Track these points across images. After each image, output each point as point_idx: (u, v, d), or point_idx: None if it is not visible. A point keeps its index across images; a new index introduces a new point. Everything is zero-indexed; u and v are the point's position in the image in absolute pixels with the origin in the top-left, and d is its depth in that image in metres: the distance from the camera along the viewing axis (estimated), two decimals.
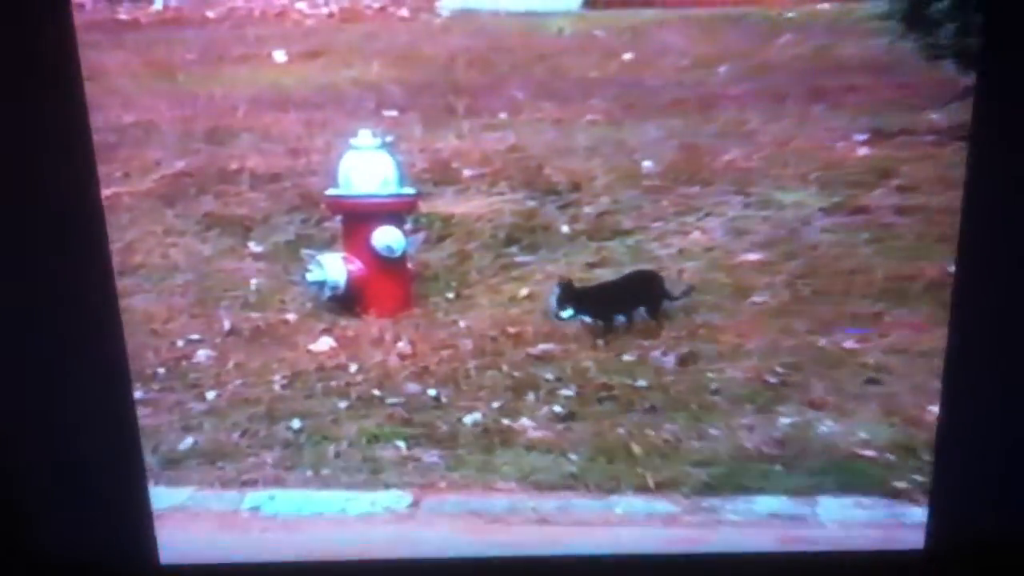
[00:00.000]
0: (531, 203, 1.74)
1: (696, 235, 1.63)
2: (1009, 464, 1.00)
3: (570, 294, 1.53)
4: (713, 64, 1.83)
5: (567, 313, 1.53)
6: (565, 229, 1.70)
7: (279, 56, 2.03)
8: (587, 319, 1.54)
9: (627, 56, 1.88)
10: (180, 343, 1.55)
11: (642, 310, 1.56)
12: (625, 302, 1.56)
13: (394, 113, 1.87)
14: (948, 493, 1.02)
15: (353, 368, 1.49)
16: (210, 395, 1.46)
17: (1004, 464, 0.99)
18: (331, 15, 2.12)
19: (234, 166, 1.84)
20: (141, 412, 1.14)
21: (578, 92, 1.82)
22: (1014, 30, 0.89)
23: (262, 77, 2.00)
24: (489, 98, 1.86)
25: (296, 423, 1.41)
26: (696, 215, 1.65)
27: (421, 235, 1.72)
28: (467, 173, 1.81)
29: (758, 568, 1.09)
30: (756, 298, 1.53)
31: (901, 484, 1.20)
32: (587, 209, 1.70)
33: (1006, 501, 1.01)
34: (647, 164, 1.73)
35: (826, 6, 1.89)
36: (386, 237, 1.62)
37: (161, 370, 1.49)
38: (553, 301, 1.54)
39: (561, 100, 1.82)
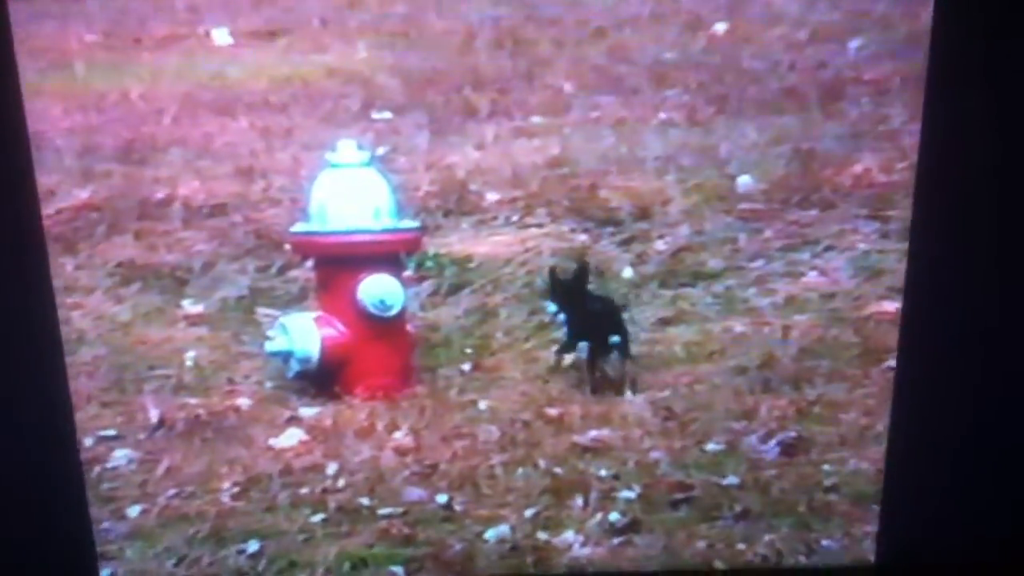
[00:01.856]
0: (581, 237, 2.15)
1: (811, 277, 2.04)
2: (959, 478, 1.57)
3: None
4: (844, 36, 2.25)
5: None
6: (628, 273, 2.11)
7: (221, 36, 2.42)
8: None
9: (720, 27, 2.31)
10: (88, 442, 1.92)
11: (616, 340, 2.00)
12: (597, 329, 2.00)
13: (388, 116, 2.29)
14: (898, 507, 1.54)
15: (332, 469, 1.87)
16: (133, 511, 1.83)
17: (954, 478, 1.58)
18: None
19: (160, 195, 2.25)
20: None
21: (649, 81, 2.24)
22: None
23: (197, 66, 2.39)
24: (523, 92, 2.29)
25: (253, 545, 1.77)
26: (812, 249, 2.06)
27: (427, 285, 2.14)
28: (491, 198, 2.22)
29: None
30: (894, 362, 1.82)
31: None
32: (659, 244, 2.11)
33: (956, 516, 1.58)
34: (744, 180, 2.13)
35: None
36: (378, 289, 2.01)
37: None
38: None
39: (625, 93, 2.23)
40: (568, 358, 2.04)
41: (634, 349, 2.01)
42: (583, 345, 2.01)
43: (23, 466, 1.61)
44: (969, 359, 1.55)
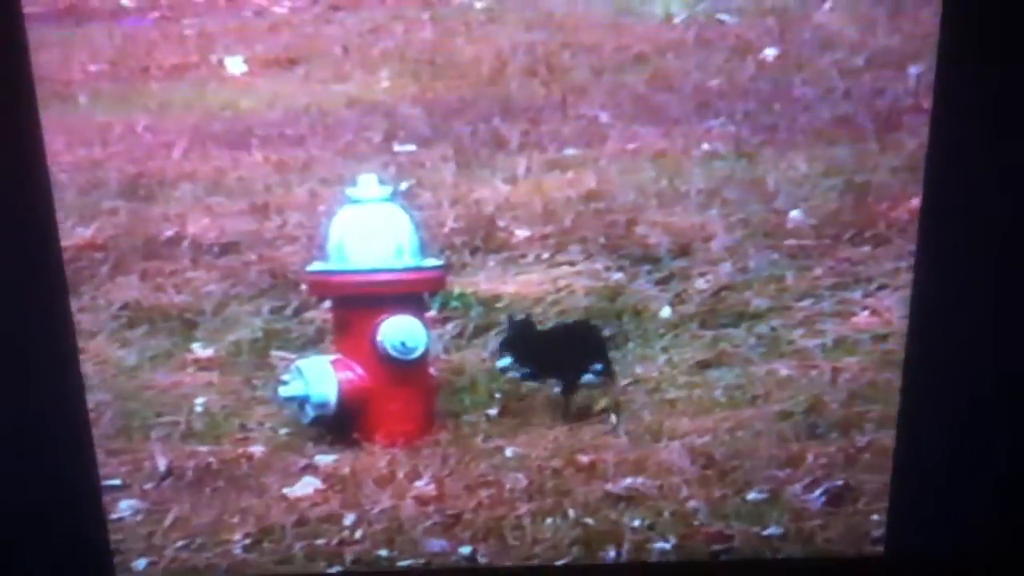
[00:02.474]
0: (616, 276, 2.34)
1: (863, 317, 2.22)
2: (967, 473, 1.81)
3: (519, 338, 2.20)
4: (903, 62, 2.41)
5: (504, 362, 2.19)
6: (666, 313, 2.30)
7: (234, 64, 2.62)
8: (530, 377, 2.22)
9: (769, 53, 2.49)
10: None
11: (598, 368, 2.21)
12: (575, 359, 2.22)
13: (411, 148, 2.49)
14: (906, 502, 1.78)
15: (349, 519, 2.05)
16: (139, 564, 2.02)
17: (962, 473, 1.78)
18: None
19: (168, 233, 2.45)
20: None
21: (692, 110, 2.42)
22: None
23: (209, 97, 2.61)
24: (557, 122, 2.48)
25: None
26: (864, 288, 2.24)
27: (451, 326, 2.32)
28: (521, 234, 2.41)
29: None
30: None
31: None
32: (700, 283, 2.30)
33: (964, 509, 1.83)
34: (794, 215, 2.33)
35: None
36: (399, 331, 2.19)
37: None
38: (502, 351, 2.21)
39: (665, 123, 2.42)
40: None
41: (670, 392, 2.20)
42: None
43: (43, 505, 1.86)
44: (976, 356, 1.78)
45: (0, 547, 1.88)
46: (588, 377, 2.23)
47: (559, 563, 1.98)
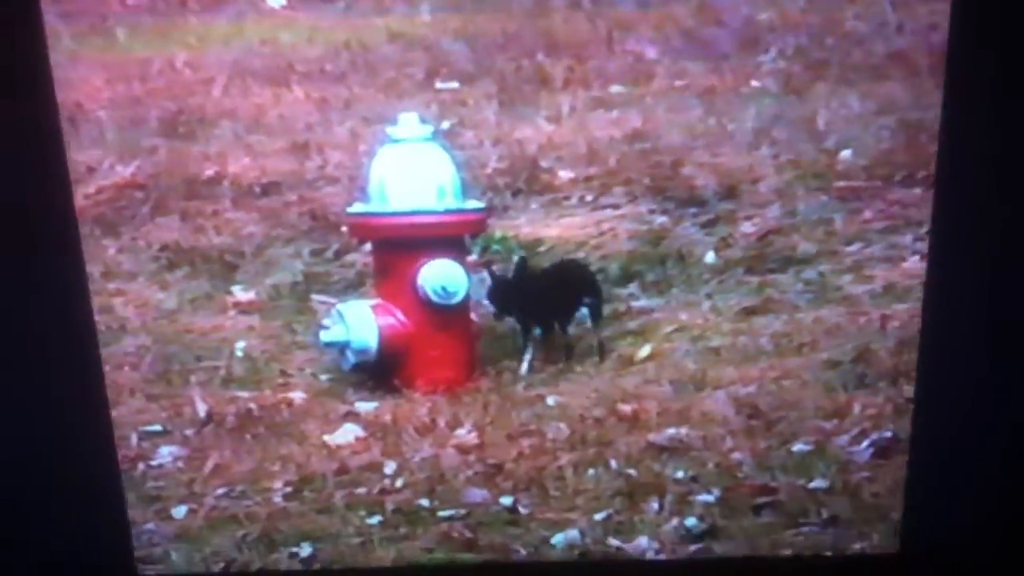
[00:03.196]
0: (661, 219, 2.33)
1: (913, 262, 2.18)
2: (982, 466, 1.80)
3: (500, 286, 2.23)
4: None
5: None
6: (711, 257, 2.29)
7: None
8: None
9: None
10: (133, 438, 2.14)
11: (585, 312, 2.24)
12: (560, 302, 2.25)
13: (454, 85, 2.47)
14: (922, 495, 1.78)
15: (390, 468, 2.07)
16: (179, 512, 2.04)
17: (977, 466, 1.80)
18: None
19: (209, 172, 2.45)
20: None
21: (741, 44, 2.39)
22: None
23: (248, 31, 2.58)
24: (602, 58, 2.45)
25: (306, 549, 1.98)
26: (915, 232, 2.20)
27: (486, 304, 2.29)
28: (564, 176, 2.40)
29: (728, 569, 1.84)
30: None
31: None
32: (746, 227, 2.28)
33: (980, 503, 1.81)
34: (845, 154, 2.30)
35: None
36: (440, 275, 2.20)
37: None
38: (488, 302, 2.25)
39: (713, 58, 2.39)
40: (525, 365, 2.27)
41: (715, 340, 2.20)
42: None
43: (59, 466, 1.86)
44: (994, 349, 1.76)
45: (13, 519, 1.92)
46: (583, 312, 2.26)
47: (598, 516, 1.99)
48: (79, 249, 1.81)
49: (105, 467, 1.91)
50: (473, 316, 2.28)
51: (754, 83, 2.36)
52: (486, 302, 2.26)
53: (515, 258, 2.27)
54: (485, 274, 2.26)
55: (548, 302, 2.26)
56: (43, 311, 1.79)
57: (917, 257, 2.18)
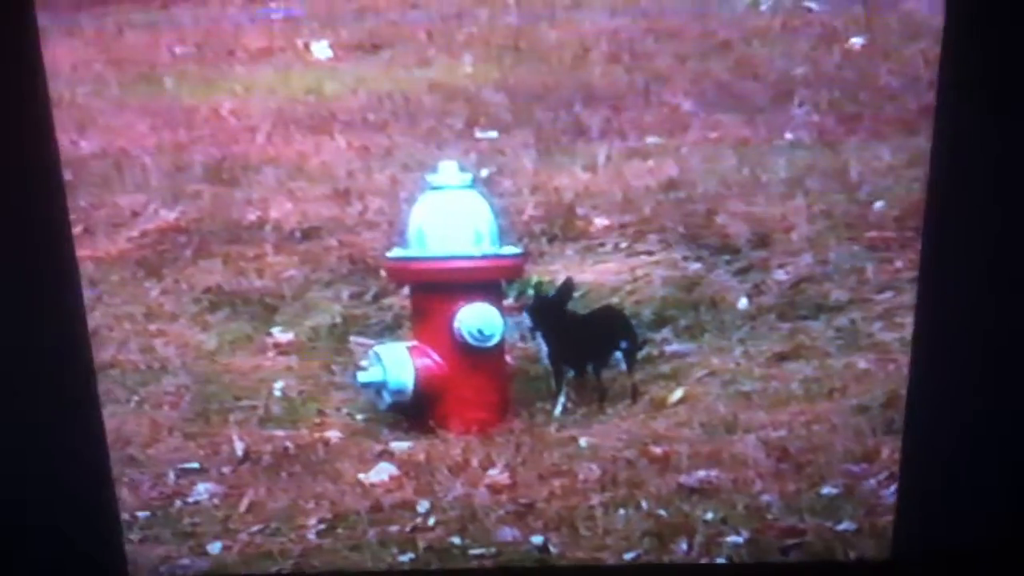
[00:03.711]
0: (695, 266, 2.36)
1: None
2: (974, 472, 1.79)
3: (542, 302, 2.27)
4: None
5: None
6: (744, 303, 2.32)
7: (320, 49, 2.71)
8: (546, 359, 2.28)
9: (856, 41, 2.50)
10: (171, 475, 2.18)
11: (619, 356, 2.26)
12: (597, 346, 2.27)
13: (493, 135, 2.53)
14: (914, 502, 1.81)
15: (423, 507, 2.10)
16: (214, 548, 2.07)
17: (969, 472, 1.79)
18: None
19: (251, 217, 2.51)
20: None
21: (775, 98, 2.44)
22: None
23: (293, 81, 2.67)
24: (638, 109, 2.50)
25: None
26: None
27: (524, 323, 2.33)
28: (599, 223, 2.44)
29: None
30: None
31: None
32: (778, 274, 2.32)
33: (971, 509, 1.83)
34: (878, 205, 2.34)
35: None
36: (476, 318, 2.24)
37: (142, 513, 2.12)
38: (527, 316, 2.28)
39: (748, 111, 2.44)
40: (559, 407, 2.30)
41: (746, 385, 2.23)
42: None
43: (52, 476, 1.93)
44: (985, 355, 1.80)
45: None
46: (616, 356, 2.29)
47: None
48: (75, 266, 1.89)
49: (96, 475, 1.97)
50: (508, 359, 2.32)
51: (788, 135, 2.40)
52: (525, 316, 2.30)
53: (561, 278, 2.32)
54: (530, 289, 2.32)
55: (585, 345, 2.30)
56: (37, 325, 1.86)
57: None
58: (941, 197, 1.78)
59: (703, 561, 2.00)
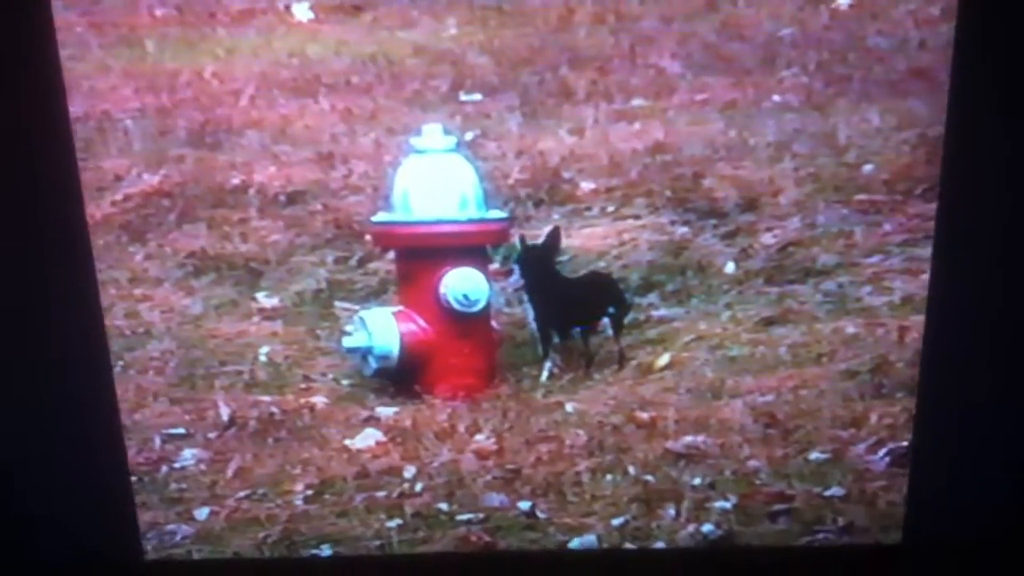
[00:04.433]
0: (682, 230, 2.36)
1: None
2: (987, 459, 1.91)
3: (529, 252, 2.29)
4: None
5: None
6: (731, 268, 2.32)
7: (301, 11, 2.67)
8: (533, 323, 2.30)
9: (843, 1, 2.48)
10: (156, 440, 2.19)
11: (606, 322, 2.28)
12: (585, 311, 2.30)
13: (477, 97, 2.50)
14: (924, 487, 1.89)
15: (410, 472, 2.12)
16: (201, 513, 2.10)
17: (981, 459, 1.91)
18: None
19: (235, 181, 2.49)
20: None
21: (763, 60, 2.42)
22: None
23: (276, 44, 2.62)
24: (624, 71, 2.49)
25: (326, 550, 2.05)
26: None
27: (514, 279, 2.34)
28: (586, 187, 2.43)
29: (733, 560, 1.95)
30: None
31: None
32: (766, 238, 2.31)
33: (984, 496, 1.92)
34: (867, 168, 2.33)
35: None
36: (462, 283, 2.25)
37: (129, 478, 2.14)
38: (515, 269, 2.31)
39: (736, 72, 2.41)
40: (545, 372, 2.31)
41: (733, 350, 2.23)
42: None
43: (66, 452, 1.99)
44: (996, 341, 1.85)
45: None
46: (604, 321, 2.30)
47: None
48: (89, 250, 1.94)
49: (112, 456, 2.04)
50: (494, 324, 2.32)
51: (775, 97, 2.39)
52: (515, 266, 2.31)
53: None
54: (516, 241, 2.30)
55: (574, 309, 2.31)
56: (52, 309, 1.93)
57: None
58: (954, 172, 1.81)
59: (691, 527, 2.02)
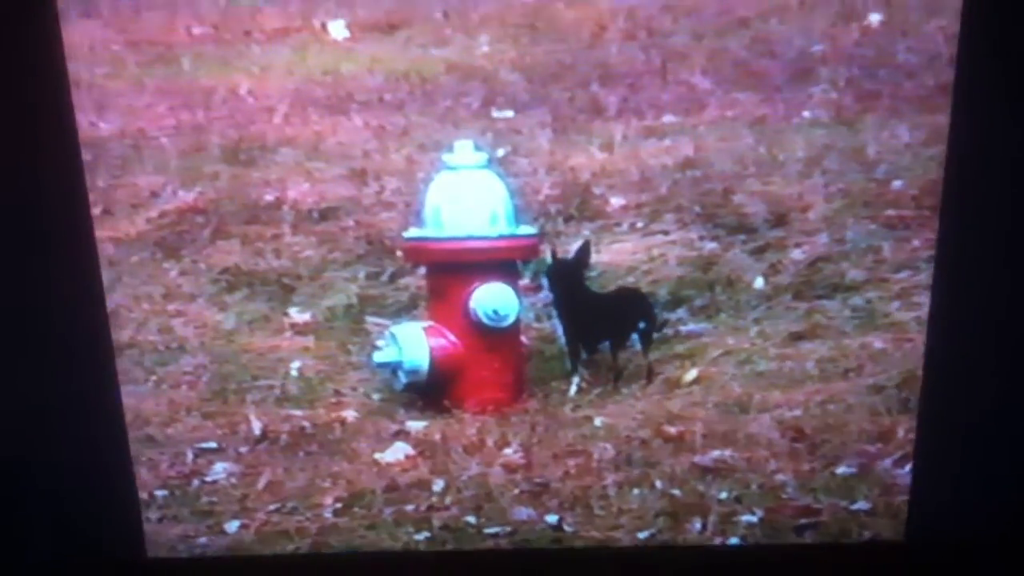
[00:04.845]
0: (711, 245, 2.38)
1: None
2: (990, 456, 1.94)
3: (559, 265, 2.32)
4: None
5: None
6: (760, 283, 2.34)
7: (336, 29, 2.72)
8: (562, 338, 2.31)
9: (874, 18, 2.50)
10: (189, 454, 2.23)
11: (635, 338, 2.29)
12: (615, 326, 2.31)
13: (509, 114, 2.52)
14: (929, 484, 1.93)
15: (438, 486, 2.15)
16: (231, 526, 2.14)
17: (984, 458, 1.94)
18: None
19: (269, 197, 2.52)
20: None
21: (793, 76, 2.44)
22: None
23: (310, 61, 2.65)
24: (655, 88, 2.51)
25: None
26: None
27: (543, 295, 2.37)
28: (616, 202, 2.45)
29: (737, 559, 1.98)
30: None
31: None
32: (795, 253, 2.32)
33: (986, 495, 1.95)
34: (897, 184, 2.34)
35: None
36: (492, 298, 2.28)
37: (161, 492, 2.18)
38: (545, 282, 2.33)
39: (766, 89, 2.42)
40: (573, 387, 2.32)
41: (761, 365, 2.25)
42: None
43: (69, 449, 2.05)
44: (1000, 341, 1.87)
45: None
46: (633, 337, 2.32)
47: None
48: (94, 252, 2.01)
49: (115, 454, 2.10)
50: (523, 339, 2.34)
51: (805, 113, 2.40)
52: (544, 280, 2.34)
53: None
54: (547, 255, 2.33)
55: (604, 325, 2.32)
56: (56, 308, 2.00)
57: None
58: (959, 177, 1.81)
59: (717, 540, 2.03)
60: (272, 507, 2.17)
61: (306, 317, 2.43)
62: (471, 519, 2.11)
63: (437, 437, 2.24)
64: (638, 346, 2.30)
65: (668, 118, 2.48)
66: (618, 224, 2.44)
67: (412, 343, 2.29)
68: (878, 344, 2.24)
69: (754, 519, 2.05)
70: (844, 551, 2.04)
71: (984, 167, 1.84)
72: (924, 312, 2.20)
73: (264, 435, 2.27)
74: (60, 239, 1.95)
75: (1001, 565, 1.97)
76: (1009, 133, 1.81)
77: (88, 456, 2.06)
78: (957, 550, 1.98)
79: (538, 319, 2.38)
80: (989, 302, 1.89)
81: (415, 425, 2.27)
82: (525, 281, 2.36)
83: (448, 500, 2.14)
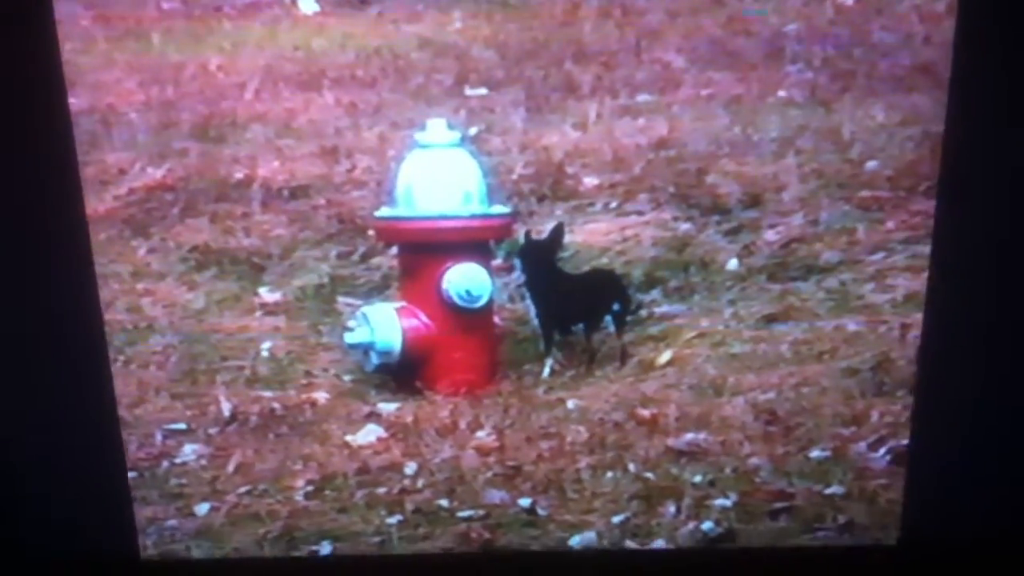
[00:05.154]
0: (685, 226, 2.36)
1: None
2: (985, 459, 1.95)
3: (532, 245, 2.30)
4: None
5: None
6: (734, 264, 2.33)
7: (307, 4, 2.73)
8: (535, 320, 2.31)
9: None
10: (157, 436, 2.22)
11: (608, 319, 2.29)
12: (586, 308, 2.30)
13: (483, 92, 2.51)
14: (921, 488, 1.94)
15: (410, 468, 2.15)
16: (201, 509, 2.14)
17: (980, 459, 1.95)
18: None
19: (238, 175, 2.50)
20: None
21: (768, 56, 2.44)
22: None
23: (281, 37, 2.63)
24: (630, 66, 2.50)
25: (326, 547, 2.09)
26: None
27: (516, 275, 2.36)
28: (590, 182, 2.44)
29: (729, 562, 1.99)
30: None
31: None
32: (769, 235, 2.31)
33: (980, 497, 1.96)
34: (871, 165, 2.34)
35: None
36: (464, 279, 2.27)
37: (130, 474, 2.17)
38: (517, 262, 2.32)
39: (741, 68, 2.43)
40: (546, 369, 2.32)
41: (735, 347, 2.24)
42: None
43: (63, 449, 2.04)
44: (995, 341, 1.87)
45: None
46: (606, 319, 2.32)
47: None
48: (88, 245, 2.02)
49: (110, 453, 2.10)
50: (496, 320, 2.34)
51: (780, 93, 2.40)
52: (517, 261, 2.33)
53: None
54: (520, 235, 2.32)
55: (577, 306, 2.32)
56: (50, 304, 2.00)
57: None
58: (955, 171, 1.87)
59: (691, 524, 2.04)
60: (243, 489, 2.17)
61: (276, 297, 2.42)
62: (444, 502, 2.12)
63: (409, 419, 2.24)
64: (611, 328, 2.29)
65: (642, 97, 2.47)
66: (591, 204, 2.42)
67: (384, 324, 2.29)
68: (852, 326, 2.25)
69: (728, 503, 2.06)
70: (840, 553, 2.06)
71: (979, 155, 1.84)
72: (899, 294, 2.21)
73: (234, 416, 2.26)
74: (52, 229, 1.95)
75: (996, 567, 1.99)
76: (1003, 117, 1.81)
77: (81, 456, 2.07)
78: (952, 552, 2.00)
79: (511, 300, 2.37)
80: (983, 303, 1.91)
81: (387, 407, 2.26)
82: (498, 261, 2.35)
83: (421, 483, 2.14)
